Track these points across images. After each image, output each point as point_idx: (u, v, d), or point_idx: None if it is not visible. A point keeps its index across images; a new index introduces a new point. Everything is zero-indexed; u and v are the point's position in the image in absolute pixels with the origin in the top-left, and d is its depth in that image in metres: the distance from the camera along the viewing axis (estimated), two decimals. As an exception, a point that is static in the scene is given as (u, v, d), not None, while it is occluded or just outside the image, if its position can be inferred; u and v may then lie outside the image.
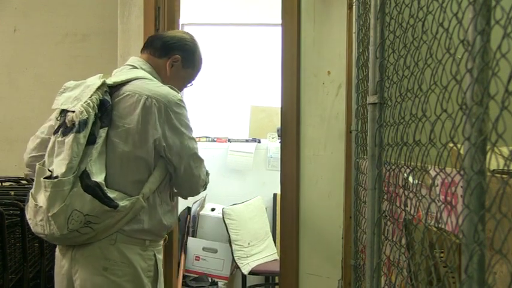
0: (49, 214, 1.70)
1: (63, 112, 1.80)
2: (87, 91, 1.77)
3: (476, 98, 0.76)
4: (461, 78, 0.83)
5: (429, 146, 1.01)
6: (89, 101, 1.73)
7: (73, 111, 1.74)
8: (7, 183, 3.05)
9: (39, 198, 1.75)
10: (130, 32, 2.96)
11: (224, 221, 3.92)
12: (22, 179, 3.11)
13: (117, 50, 2.95)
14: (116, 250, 1.77)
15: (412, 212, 1.20)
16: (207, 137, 4.52)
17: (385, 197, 1.44)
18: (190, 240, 4.26)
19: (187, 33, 2.05)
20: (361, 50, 2.01)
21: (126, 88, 1.80)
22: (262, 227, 4.12)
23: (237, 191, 4.31)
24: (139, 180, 1.78)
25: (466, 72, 0.79)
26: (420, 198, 1.12)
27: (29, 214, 1.81)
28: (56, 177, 1.70)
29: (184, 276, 4.13)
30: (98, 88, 1.76)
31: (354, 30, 2.20)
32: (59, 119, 1.83)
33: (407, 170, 1.19)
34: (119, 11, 2.94)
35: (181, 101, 1.84)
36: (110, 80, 1.80)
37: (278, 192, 2.82)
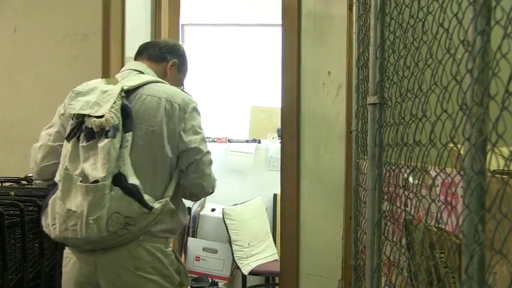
0: (91, 217, 1.74)
1: (80, 117, 1.83)
2: (108, 97, 1.82)
3: (476, 99, 0.76)
4: (462, 79, 0.83)
5: (429, 147, 1.01)
6: (114, 106, 1.78)
7: (98, 117, 1.77)
8: (7, 184, 3.05)
9: (71, 203, 1.78)
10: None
11: (224, 221, 3.92)
12: (22, 179, 3.11)
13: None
14: (143, 250, 1.85)
15: (412, 212, 1.20)
16: (207, 138, 4.52)
17: (385, 197, 1.44)
18: (191, 241, 4.26)
19: (176, 41, 2.18)
20: (361, 51, 2.01)
21: (143, 91, 1.87)
22: (263, 227, 4.12)
23: (237, 192, 4.31)
24: (164, 183, 1.87)
25: (466, 73, 0.79)
26: (420, 198, 1.12)
27: (51, 220, 1.83)
28: (96, 181, 1.74)
29: (184, 277, 4.12)
30: (118, 94, 1.81)
31: (354, 31, 2.20)
32: (71, 123, 1.85)
33: (408, 171, 1.19)
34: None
35: (196, 104, 1.95)
36: (125, 85, 1.85)
37: (278, 192, 2.82)
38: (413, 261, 1.20)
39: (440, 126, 0.94)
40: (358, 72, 2.08)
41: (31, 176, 3.18)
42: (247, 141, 4.50)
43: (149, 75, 1.96)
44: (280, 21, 2.67)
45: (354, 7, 2.18)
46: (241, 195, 4.24)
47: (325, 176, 2.57)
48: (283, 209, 2.67)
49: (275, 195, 4.25)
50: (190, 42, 5.09)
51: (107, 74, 2.64)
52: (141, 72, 1.97)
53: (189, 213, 4.41)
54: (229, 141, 4.50)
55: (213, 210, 4.29)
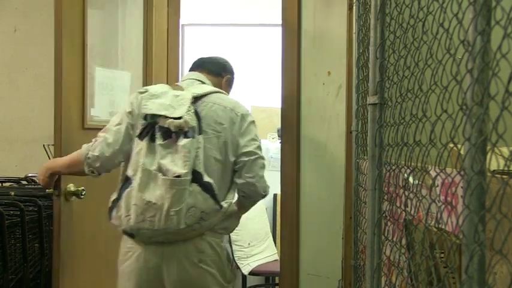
0: (173, 209, 1.89)
1: (154, 117, 1.97)
2: (181, 101, 1.99)
3: (476, 99, 0.76)
4: (462, 79, 0.83)
5: (429, 147, 1.01)
6: (191, 111, 1.97)
7: (178, 118, 1.94)
8: (7, 184, 3.05)
9: (151, 196, 1.91)
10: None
11: (224, 221, 3.92)
12: (22, 179, 3.11)
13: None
14: (207, 243, 2.02)
15: (412, 212, 1.19)
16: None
17: (386, 197, 1.44)
18: (191, 241, 4.25)
19: (226, 59, 2.43)
20: (361, 51, 2.01)
21: (209, 99, 2.07)
22: (263, 228, 4.12)
23: (237, 191, 4.30)
24: (227, 185, 2.06)
25: (467, 73, 0.79)
26: (420, 198, 1.12)
27: (124, 211, 1.95)
28: (178, 176, 1.89)
29: (184, 277, 4.13)
30: (190, 100, 2.00)
31: (354, 31, 2.20)
32: (142, 123, 1.98)
33: (408, 171, 1.19)
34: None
35: (252, 117, 2.16)
36: (194, 92, 2.04)
37: (278, 192, 2.82)
38: (413, 261, 1.20)
39: (441, 126, 0.94)
40: (358, 72, 2.08)
41: (31, 176, 3.19)
42: (247, 141, 4.49)
43: (211, 86, 2.17)
44: (280, 21, 2.67)
45: (354, 7, 2.18)
46: (241, 195, 4.23)
47: (325, 176, 2.56)
48: (283, 209, 2.67)
49: (275, 195, 4.25)
50: (190, 42, 5.09)
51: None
52: (203, 82, 2.17)
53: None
54: (230, 141, 4.49)
55: (213, 210, 4.28)
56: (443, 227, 0.99)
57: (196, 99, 2.03)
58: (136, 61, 2.97)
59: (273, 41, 4.36)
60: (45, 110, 3.31)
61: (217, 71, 2.28)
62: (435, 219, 1.02)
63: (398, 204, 1.33)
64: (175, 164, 1.90)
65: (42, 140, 3.10)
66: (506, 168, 0.72)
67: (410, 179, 1.19)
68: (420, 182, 1.11)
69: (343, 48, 2.45)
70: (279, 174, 2.71)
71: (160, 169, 1.91)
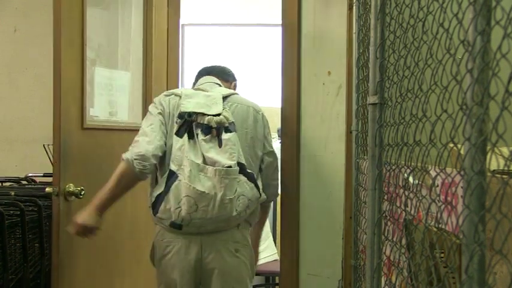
0: (227, 197, 2.06)
1: (192, 114, 2.12)
2: (213, 100, 2.18)
3: (476, 99, 0.76)
4: (462, 79, 0.83)
5: (429, 146, 1.01)
6: (227, 108, 2.17)
7: (216, 115, 2.12)
8: (7, 184, 3.05)
9: (203, 187, 2.05)
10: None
11: (224, 221, 3.92)
12: (22, 179, 3.11)
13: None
14: (240, 234, 2.19)
15: (412, 212, 1.20)
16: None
17: (386, 197, 1.44)
18: (190, 241, 4.25)
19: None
20: (361, 51, 2.01)
21: (233, 100, 2.25)
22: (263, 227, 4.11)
23: (237, 191, 4.30)
24: (257, 176, 2.21)
25: (467, 73, 0.79)
26: (420, 198, 1.12)
27: (174, 204, 2.06)
28: (230, 166, 2.07)
29: (184, 277, 4.12)
30: (222, 99, 2.19)
31: (354, 31, 2.20)
32: (179, 122, 2.12)
33: (408, 170, 1.19)
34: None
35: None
36: (222, 93, 2.22)
37: (278, 192, 2.82)
38: (413, 261, 1.20)
39: (441, 126, 0.94)
40: (358, 72, 2.08)
41: (31, 176, 3.19)
42: (247, 141, 4.49)
43: (227, 89, 2.34)
44: (280, 21, 2.67)
45: (354, 7, 2.18)
46: (241, 195, 4.23)
47: (325, 176, 2.56)
48: (283, 209, 2.67)
49: (275, 195, 4.24)
50: (190, 42, 5.09)
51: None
52: (220, 85, 2.34)
53: (189, 213, 4.40)
54: (229, 141, 4.49)
55: (213, 210, 4.28)
56: (443, 227, 0.99)
57: (224, 98, 2.21)
58: (136, 61, 2.97)
59: (273, 41, 4.36)
60: (45, 110, 3.31)
61: (227, 78, 2.45)
62: (435, 219, 1.02)
63: (398, 204, 1.33)
64: (223, 157, 2.07)
65: (42, 140, 3.10)
66: (506, 168, 0.72)
67: (410, 179, 1.19)
68: (420, 182, 1.11)
69: (343, 48, 2.45)
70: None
71: (206, 162, 2.07)
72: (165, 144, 2.13)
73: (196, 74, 2.47)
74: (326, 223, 2.55)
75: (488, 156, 0.75)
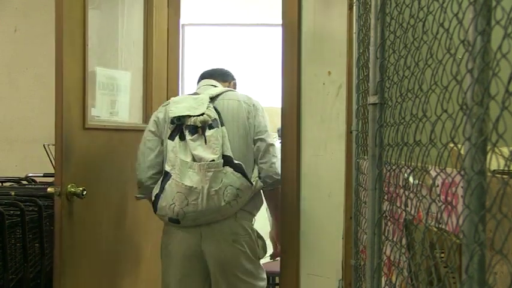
0: (213, 189, 2.24)
1: (181, 118, 2.32)
2: (200, 101, 2.36)
3: (476, 98, 0.76)
4: (462, 79, 0.83)
5: (429, 146, 1.01)
6: (210, 107, 2.34)
7: (200, 115, 2.30)
8: (7, 184, 3.05)
9: (191, 182, 2.25)
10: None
11: (224, 221, 3.92)
12: (22, 179, 3.11)
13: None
14: (239, 225, 2.37)
15: (412, 212, 1.20)
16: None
17: (386, 197, 1.44)
18: (191, 241, 4.24)
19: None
20: (361, 50, 2.01)
21: (224, 97, 2.43)
22: (263, 227, 4.10)
23: (237, 191, 4.29)
24: (251, 166, 2.39)
25: (467, 73, 0.79)
26: (420, 198, 1.12)
27: (169, 201, 2.27)
28: (212, 160, 2.25)
29: (184, 277, 4.12)
30: (208, 100, 2.37)
31: (354, 31, 2.20)
32: (170, 127, 2.34)
33: (408, 170, 1.19)
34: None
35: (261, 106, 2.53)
36: (210, 94, 2.42)
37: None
38: (413, 261, 1.20)
39: (441, 126, 0.94)
40: (358, 72, 2.08)
41: (31, 176, 3.19)
42: (247, 141, 4.49)
43: (222, 87, 2.54)
44: (280, 21, 2.67)
45: (354, 7, 2.18)
46: (241, 195, 4.23)
47: (325, 176, 2.56)
48: (283, 209, 2.67)
49: (275, 195, 4.23)
50: (190, 42, 5.09)
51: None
52: (215, 86, 2.54)
53: (189, 213, 4.40)
54: (230, 141, 4.49)
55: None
56: (443, 227, 0.99)
57: (212, 98, 2.39)
58: (137, 61, 2.97)
59: (273, 41, 4.36)
60: (45, 110, 3.31)
61: (226, 78, 2.65)
62: (435, 219, 1.02)
63: (398, 204, 1.33)
64: (207, 152, 2.26)
65: (42, 140, 3.10)
66: (506, 168, 0.72)
67: (411, 179, 1.19)
68: (420, 182, 1.11)
69: (343, 48, 2.45)
70: (279, 174, 2.69)
71: (194, 159, 2.26)
72: (159, 152, 2.40)
73: (198, 77, 2.67)
74: (326, 223, 2.55)
75: (488, 156, 0.75)
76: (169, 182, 2.28)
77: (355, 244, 2.07)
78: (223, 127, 2.34)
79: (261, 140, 2.42)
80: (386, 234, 1.45)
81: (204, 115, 2.29)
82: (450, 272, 1.03)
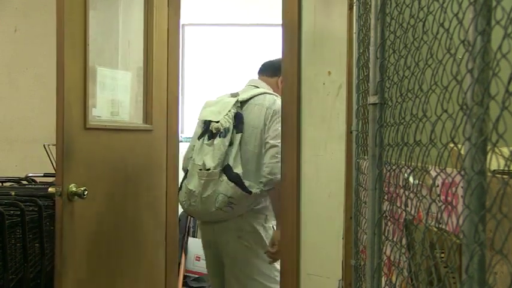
0: (203, 196, 2.44)
1: (206, 122, 2.52)
2: (225, 107, 2.51)
3: (476, 98, 0.76)
4: (462, 79, 0.83)
5: (430, 146, 1.01)
6: (228, 114, 2.48)
7: (217, 122, 2.46)
8: (7, 184, 3.05)
9: (192, 185, 2.48)
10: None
11: (224, 221, 3.92)
12: (22, 179, 3.11)
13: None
14: (246, 223, 2.57)
15: (412, 212, 1.20)
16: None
17: (386, 197, 1.44)
18: (191, 241, 4.26)
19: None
20: (361, 51, 2.01)
21: (254, 102, 2.58)
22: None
23: (237, 191, 4.29)
24: (259, 173, 2.53)
25: (467, 73, 0.79)
26: (421, 198, 1.12)
27: (181, 197, 2.58)
28: (209, 169, 2.43)
29: (185, 277, 4.14)
30: (233, 104, 2.52)
31: (354, 31, 2.19)
32: (203, 127, 2.55)
33: (408, 170, 1.19)
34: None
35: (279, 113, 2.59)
36: (240, 98, 2.55)
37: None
38: (413, 261, 1.20)
39: (441, 126, 0.94)
40: (358, 72, 2.08)
41: (31, 176, 3.19)
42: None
43: (261, 89, 2.66)
44: (280, 21, 2.67)
45: (354, 7, 2.18)
46: (241, 195, 4.22)
47: (325, 176, 2.56)
48: (283, 209, 2.67)
49: (275, 195, 4.23)
50: (190, 42, 5.09)
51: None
52: (257, 87, 2.67)
53: (189, 213, 4.40)
54: (230, 141, 4.49)
55: (213, 210, 4.29)
56: (443, 227, 0.99)
57: (242, 103, 2.55)
58: (137, 61, 2.97)
59: (273, 41, 4.36)
60: (45, 110, 3.31)
61: (274, 73, 2.74)
62: (435, 219, 1.02)
63: (398, 204, 1.34)
64: (210, 160, 2.44)
65: (42, 140, 3.10)
66: (506, 168, 0.73)
67: (411, 179, 1.19)
68: (420, 182, 1.11)
69: (343, 48, 2.45)
70: (279, 174, 2.69)
71: (202, 163, 2.46)
72: (190, 149, 2.64)
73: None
74: (326, 223, 2.55)
75: (488, 156, 0.76)
76: (185, 181, 2.56)
77: (355, 244, 2.07)
78: (240, 134, 2.48)
79: (267, 143, 2.54)
80: (386, 234, 1.45)
81: (218, 123, 2.45)
82: (450, 272, 1.03)
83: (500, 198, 0.73)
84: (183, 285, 4.05)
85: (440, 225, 1.00)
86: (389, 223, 1.43)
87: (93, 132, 2.49)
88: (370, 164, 1.43)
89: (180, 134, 3.38)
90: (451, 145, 0.90)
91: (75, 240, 2.33)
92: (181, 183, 2.59)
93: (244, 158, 2.49)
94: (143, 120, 2.91)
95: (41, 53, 3.39)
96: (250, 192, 2.45)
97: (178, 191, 2.63)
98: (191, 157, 2.57)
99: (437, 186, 1.03)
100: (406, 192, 1.23)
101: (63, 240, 2.25)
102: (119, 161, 2.66)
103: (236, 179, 2.42)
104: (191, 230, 4.37)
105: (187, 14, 4.36)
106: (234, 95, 2.63)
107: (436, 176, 1.01)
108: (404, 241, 1.32)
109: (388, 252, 1.48)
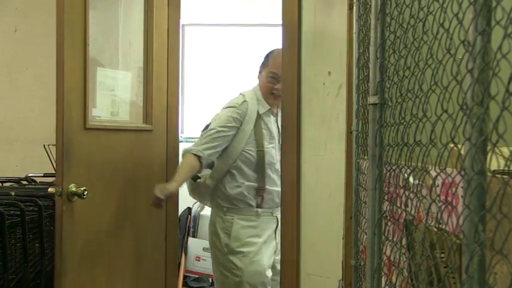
0: None
1: None
2: None
3: (476, 99, 0.76)
4: (462, 79, 0.83)
5: (430, 147, 1.01)
6: None
7: None
8: (7, 184, 3.05)
9: None
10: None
11: (224, 221, 3.92)
12: (22, 179, 3.11)
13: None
14: (212, 214, 2.93)
15: (412, 212, 1.20)
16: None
17: (386, 197, 1.44)
18: (191, 241, 4.26)
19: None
20: (361, 51, 2.01)
21: None
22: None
23: (237, 191, 4.29)
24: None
25: (467, 73, 0.79)
26: (421, 198, 1.12)
27: None
28: None
29: (184, 277, 4.14)
30: None
31: (354, 31, 2.19)
32: None
33: (408, 171, 1.19)
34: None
35: (229, 104, 2.86)
36: None
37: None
38: (413, 261, 1.20)
39: (441, 126, 0.94)
40: (358, 72, 2.08)
41: (31, 176, 3.19)
42: (247, 141, 4.48)
43: (250, 89, 2.99)
44: (280, 21, 2.67)
45: (354, 7, 2.18)
46: (241, 195, 4.22)
47: (325, 176, 2.56)
48: (283, 209, 2.67)
49: (275, 195, 4.23)
50: (190, 42, 5.09)
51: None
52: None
53: (189, 213, 4.41)
54: (230, 141, 4.48)
55: (213, 210, 4.29)
56: (443, 227, 0.99)
57: None
58: (137, 61, 2.97)
59: (273, 41, 4.36)
60: (45, 110, 3.31)
61: (261, 68, 2.95)
62: (435, 219, 1.02)
63: (398, 204, 1.34)
64: None
65: (42, 140, 3.10)
66: (506, 168, 0.73)
67: (411, 179, 1.19)
68: (420, 182, 1.11)
69: (343, 48, 2.45)
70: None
71: None
72: None
73: None
74: (326, 223, 2.55)
75: (488, 156, 0.76)
76: None
77: (355, 244, 2.07)
78: None
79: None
80: (386, 234, 1.45)
81: None
82: (450, 272, 1.03)
83: (500, 198, 0.73)
84: (183, 285, 4.05)
85: (440, 225, 1.00)
86: (389, 223, 1.43)
87: (93, 132, 2.48)
88: (370, 164, 1.43)
89: (180, 134, 3.38)
90: (451, 145, 0.90)
91: (75, 240, 2.33)
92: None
93: None
94: (143, 120, 2.91)
95: (41, 53, 3.39)
96: (194, 180, 2.83)
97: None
98: None
99: (437, 186, 1.03)
100: (406, 192, 1.23)
101: (63, 240, 2.25)
102: (119, 161, 2.66)
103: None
104: (191, 230, 4.37)
105: (187, 14, 4.35)
106: None
107: (436, 176, 1.01)
108: (404, 241, 1.32)
109: (388, 252, 1.48)
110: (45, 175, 3.17)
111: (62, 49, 2.25)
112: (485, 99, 0.75)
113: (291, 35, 2.61)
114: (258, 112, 2.84)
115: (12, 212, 2.37)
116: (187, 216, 4.37)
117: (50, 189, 2.26)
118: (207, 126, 2.80)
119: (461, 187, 0.85)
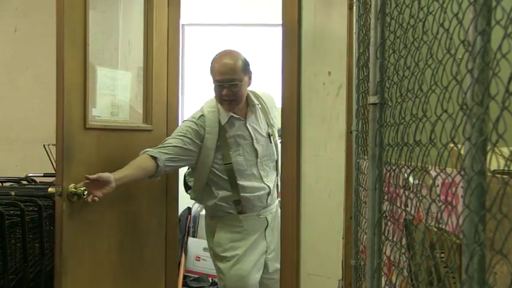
0: None
1: None
2: None
3: (476, 98, 0.76)
4: (462, 79, 0.83)
5: (429, 146, 1.01)
6: None
7: None
8: (7, 184, 3.05)
9: None
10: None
11: (224, 221, 3.92)
12: (22, 179, 3.11)
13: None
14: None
15: (412, 212, 1.20)
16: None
17: (386, 197, 1.44)
18: (191, 241, 4.26)
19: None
20: (361, 50, 2.01)
21: None
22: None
23: (237, 191, 4.29)
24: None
25: (467, 73, 0.79)
26: (421, 198, 1.12)
27: None
28: None
29: (184, 277, 4.13)
30: None
31: (354, 31, 2.20)
32: None
33: (408, 171, 1.19)
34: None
35: (188, 118, 2.77)
36: None
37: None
38: (413, 261, 1.20)
39: (441, 126, 0.94)
40: (358, 72, 2.08)
41: (31, 176, 3.19)
42: (247, 141, 4.48)
43: None
44: (280, 21, 2.67)
45: (354, 7, 2.18)
46: (241, 195, 4.22)
47: (325, 176, 2.56)
48: (283, 209, 2.67)
49: (275, 195, 4.23)
50: (190, 42, 5.09)
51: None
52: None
53: (189, 213, 4.41)
54: (230, 141, 4.48)
55: (213, 210, 4.29)
56: (443, 227, 0.99)
57: None
58: (137, 61, 2.97)
59: (273, 41, 4.36)
60: (45, 110, 3.31)
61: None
62: (435, 219, 1.02)
63: (398, 204, 1.34)
64: None
65: (42, 140, 3.10)
66: (506, 168, 0.73)
67: (411, 179, 1.19)
68: (420, 182, 1.11)
69: (343, 48, 2.45)
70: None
71: None
72: None
73: None
74: (326, 223, 2.55)
75: (488, 156, 0.76)
76: None
77: (355, 244, 2.07)
78: None
79: None
80: (386, 234, 1.45)
81: None
82: (450, 272, 1.03)
83: (500, 198, 0.73)
84: (183, 285, 4.05)
85: (440, 225, 1.00)
86: (389, 223, 1.43)
87: (93, 132, 2.48)
88: (370, 164, 1.43)
89: (180, 134, 3.37)
90: (451, 145, 0.90)
91: (75, 240, 2.33)
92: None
93: None
94: (143, 120, 2.91)
95: (41, 53, 3.39)
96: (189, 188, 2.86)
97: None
98: None
99: (437, 186, 1.03)
100: (406, 192, 1.23)
101: (63, 240, 2.25)
102: (119, 161, 2.65)
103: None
104: (191, 230, 4.37)
105: (187, 14, 4.35)
106: None
107: (436, 176, 1.01)
108: (404, 241, 1.32)
109: (388, 252, 1.48)
110: (45, 175, 3.17)
111: (62, 49, 2.25)
112: (485, 99, 0.75)
113: (290, 35, 2.61)
114: (219, 123, 2.66)
115: (12, 212, 2.37)
116: (187, 216, 4.37)
117: (50, 189, 2.26)
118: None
119: (461, 187, 0.85)
